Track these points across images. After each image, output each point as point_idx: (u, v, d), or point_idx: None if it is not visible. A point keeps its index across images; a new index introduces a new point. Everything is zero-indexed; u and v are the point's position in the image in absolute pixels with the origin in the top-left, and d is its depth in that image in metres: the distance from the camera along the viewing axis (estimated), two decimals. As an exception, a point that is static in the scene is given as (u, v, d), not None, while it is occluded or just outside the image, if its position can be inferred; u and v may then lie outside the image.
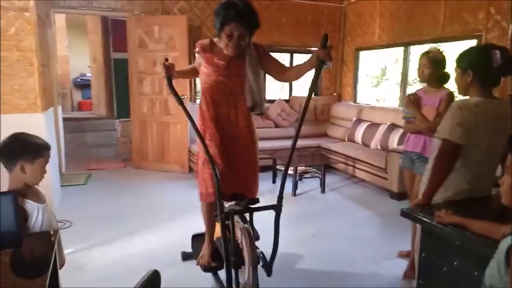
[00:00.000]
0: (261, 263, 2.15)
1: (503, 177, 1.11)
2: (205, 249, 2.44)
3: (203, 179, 2.24)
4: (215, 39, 2.19)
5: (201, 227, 2.56)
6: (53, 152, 3.92)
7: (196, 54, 2.26)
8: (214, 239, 2.48)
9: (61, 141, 4.90)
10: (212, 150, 2.13)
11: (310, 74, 1.98)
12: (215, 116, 2.19)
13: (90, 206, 3.92)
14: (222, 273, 2.34)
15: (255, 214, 2.24)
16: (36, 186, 1.83)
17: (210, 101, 2.19)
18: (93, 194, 4.31)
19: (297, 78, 2.19)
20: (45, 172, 1.77)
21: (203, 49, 2.19)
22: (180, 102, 2.03)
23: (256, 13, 2.06)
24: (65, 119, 5.51)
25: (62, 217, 3.39)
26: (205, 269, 2.40)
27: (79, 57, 8.56)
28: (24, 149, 1.62)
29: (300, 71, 2.09)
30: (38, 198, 1.77)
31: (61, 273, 1.87)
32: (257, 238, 2.41)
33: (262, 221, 2.31)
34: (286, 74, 2.22)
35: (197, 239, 2.65)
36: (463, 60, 1.79)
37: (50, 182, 3.40)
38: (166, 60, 2.09)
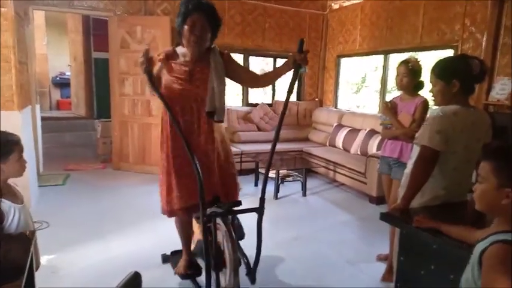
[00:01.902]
0: (244, 271, 2.17)
1: (476, 185, 1.16)
2: (182, 261, 2.46)
3: (165, 191, 2.25)
4: (177, 48, 2.17)
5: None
6: (31, 152, 3.83)
7: (158, 63, 2.13)
8: (196, 240, 2.49)
9: (39, 140, 4.77)
10: (179, 161, 2.13)
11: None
12: (181, 125, 2.08)
13: (68, 207, 3.83)
14: (202, 278, 2.35)
15: (238, 217, 2.25)
16: (14, 186, 1.80)
17: (175, 110, 2.09)
18: (71, 195, 4.22)
19: (272, 82, 2.20)
20: (25, 162, 1.75)
21: (167, 57, 2.12)
22: (162, 97, 1.98)
23: (216, 10, 2.09)
24: (43, 118, 5.37)
25: (38, 218, 3.29)
26: (183, 277, 2.43)
27: (58, 56, 8.37)
28: None
29: (276, 74, 2.12)
30: (15, 198, 1.74)
31: (36, 276, 1.83)
32: (242, 237, 2.43)
33: (244, 223, 2.32)
34: (259, 81, 2.22)
35: (176, 255, 2.66)
36: (447, 71, 1.81)
37: (27, 182, 3.30)
38: (148, 51, 1.92)
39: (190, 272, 2.40)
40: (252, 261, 2.13)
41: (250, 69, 2.33)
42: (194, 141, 2.13)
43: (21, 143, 1.73)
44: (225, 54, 2.21)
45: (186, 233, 2.43)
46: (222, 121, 2.18)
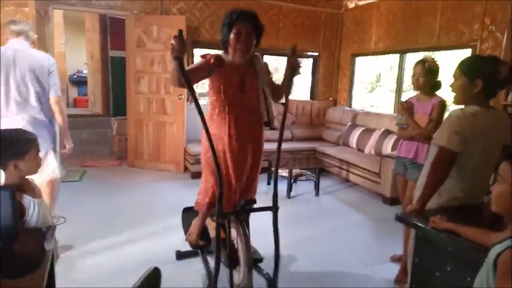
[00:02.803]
0: (266, 282, 2.18)
1: (494, 185, 1.14)
2: (194, 227, 2.50)
3: (204, 188, 2.34)
4: (222, 54, 2.19)
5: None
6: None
7: (200, 60, 2.14)
8: (212, 238, 2.51)
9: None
10: (224, 165, 2.18)
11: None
12: (233, 132, 2.15)
13: (84, 203, 3.91)
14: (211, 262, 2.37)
15: (253, 220, 2.26)
16: (32, 181, 1.84)
17: (227, 118, 2.14)
18: (87, 191, 4.30)
19: (284, 91, 2.19)
20: (40, 160, 1.79)
21: (217, 61, 2.10)
22: (190, 87, 1.85)
23: (259, 18, 2.17)
24: (60, 116, 5.47)
25: (56, 213, 3.37)
26: (193, 246, 2.50)
27: (76, 54, 8.51)
28: (11, 148, 1.63)
29: (282, 82, 2.22)
30: (33, 193, 1.78)
31: (55, 268, 1.88)
32: (260, 260, 2.34)
33: (258, 222, 2.34)
34: (277, 92, 2.30)
35: (187, 212, 2.74)
36: (473, 69, 1.78)
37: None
38: (181, 33, 1.72)
39: (201, 243, 2.47)
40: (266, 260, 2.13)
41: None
42: (246, 149, 2.20)
43: (37, 141, 1.77)
44: (264, 65, 2.28)
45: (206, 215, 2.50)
46: (274, 128, 2.33)
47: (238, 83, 2.15)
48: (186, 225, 2.63)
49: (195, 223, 2.51)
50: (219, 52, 2.23)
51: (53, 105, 2.75)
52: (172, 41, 1.71)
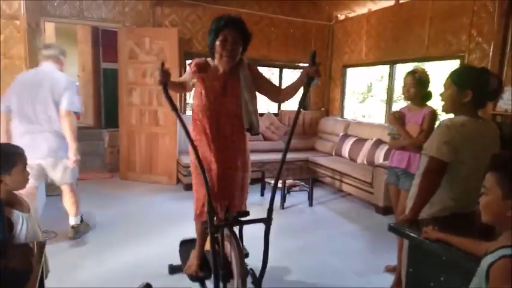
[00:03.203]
0: (250, 279, 2.15)
1: (482, 197, 1.15)
2: (193, 259, 2.43)
3: (197, 199, 2.27)
4: (209, 59, 2.20)
5: (188, 237, 2.55)
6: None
7: (188, 70, 2.22)
8: (205, 250, 2.48)
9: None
10: (207, 167, 2.15)
11: (300, 90, 2.04)
12: (213, 138, 2.16)
13: (75, 217, 3.85)
14: (209, 284, 2.34)
15: (245, 226, 2.24)
16: (20, 195, 1.81)
17: (208, 123, 2.15)
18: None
19: (291, 97, 2.17)
20: (28, 174, 1.76)
21: (199, 69, 2.15)
22: (176, 110, 1.97)
23: (246, 25, 2.15)
24: (51, 128, 5.42)
25: (47, 227, 3.32)
26: (192, 278, 2.39)
27: (68, 66, 8.43)
28: None
29: (293, 89, 2.12)
30: (22, 207, 1.75)
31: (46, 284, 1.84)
32: (246, 255, 2.39)
33: (251, 233, 2.32)
34: (281, 95, 2.24)
35: (185, 245, 2.65)
36: (463, 79, 1.80)
37: (35, 192, 3.33)
38: (163, 65, 1.96)
39: (201, 275, 2.36)
40: (257, 272, 2.12)
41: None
42: (227, 155, 2.19)
43: (24, 155, 1.75)
44: (253, 68, 2.25)
45: (204, 235, 2.39)
46: (258, 134, 2.27)
47: (220, 89, 2.15)
48: (184, 258, 2.52)
49: (194, 254, 2.44)
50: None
51: (62, 118, 3.06)
52: (156, 71, 1.90)
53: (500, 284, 1.00)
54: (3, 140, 2.91)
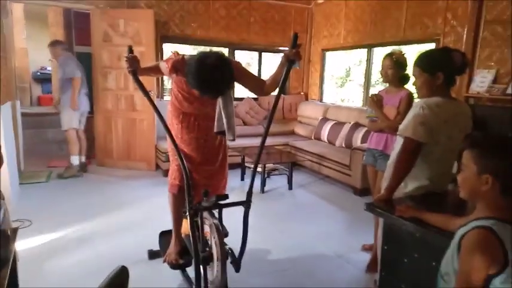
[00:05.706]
0: (229, 259, 2.16)
1: (460, 173, 1.19)
2: (172, 247, 2.42)
3: (172, 170, 2.33)
4: (186, 56, 2.13)
5: (167, 225, 2.54)
6: (11, 149, 3.74)
7: (163, 65, 2.17)
8: (183, 236, 2.47)
9: (20, 137, 4.66)
10: (183, 148, 2.21)
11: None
12: (188, 138, 2.24)
13: (52, 205, 3.77)
14: (190, 270, 2.35)
15: (224, 211, 2.24)
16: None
17: (186, 125, 2.23)
18: (55, 192, 4.15)
19: (277, 86, 2.05)
20: (2, 158, 1.70)
21: (175, 70, 2.10)
22: (148, 97, 2.00)
23: (230, 70, 1.96)
24: (23, 114, 5.23)
25: (21, 216, 3.24)
26: (173, 266, 2.38)
27: (39, 50, 8.11)
28: None
29: (276, 77, 2.05)
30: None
31: (21, 273, 1.80)
32: (226, 235, 2.42)
33: (231, 217, 2.33)
34: (265, 88, 2.15)
35: (165, 236, 2.63)
36: (432, 64, 1.85)
37: (7, 180, 3.23)
38: (131, 51, 1.98)
39: (181, 262, 2.35)
40: (237, 253, 2.14)
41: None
42: (200, 154, 2.26)
43: None
44: (234, 63, 2.15)
45: (178, 215, 2.40)
46: (234, 140, 2.25)
47: (197, 94, 2.09)
48: (164, 248, 2.50)
49: (173, 242, 2.42)
50: (189, 48, 2.20)
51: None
52: (125, 57, 1.95)
53: (470, 254, 1.04)
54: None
